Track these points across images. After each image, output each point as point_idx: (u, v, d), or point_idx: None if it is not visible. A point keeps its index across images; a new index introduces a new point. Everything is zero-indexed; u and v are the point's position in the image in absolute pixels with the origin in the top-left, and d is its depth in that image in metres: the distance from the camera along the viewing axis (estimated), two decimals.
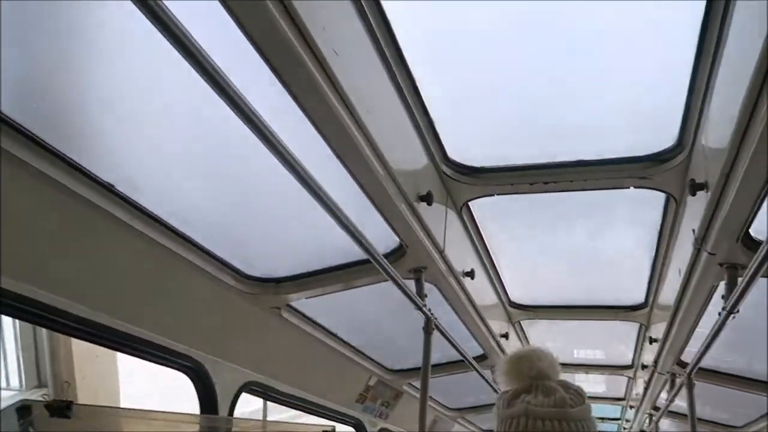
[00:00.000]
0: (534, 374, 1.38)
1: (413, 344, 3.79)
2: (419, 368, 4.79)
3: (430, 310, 2.72)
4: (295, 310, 3.04)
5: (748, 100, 1.47)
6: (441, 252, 2.61)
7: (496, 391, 4.45)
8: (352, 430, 4.62)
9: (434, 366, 4.74)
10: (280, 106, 1.59)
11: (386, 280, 2.56)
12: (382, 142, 1.86)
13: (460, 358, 4.11)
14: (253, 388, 3.10)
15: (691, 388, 3.26)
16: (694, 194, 1.93)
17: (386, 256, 2.59)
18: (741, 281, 2.03)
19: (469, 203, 2.77)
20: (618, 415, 8.38)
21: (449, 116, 2.29)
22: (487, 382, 4.11)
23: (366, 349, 3.99)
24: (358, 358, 3.93)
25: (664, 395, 4.98)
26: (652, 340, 3.78)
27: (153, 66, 1.60)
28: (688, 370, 3.23)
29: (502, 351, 4.23)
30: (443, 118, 2.27)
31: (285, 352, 3.24)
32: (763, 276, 1.84)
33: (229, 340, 2.86)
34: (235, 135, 1.61)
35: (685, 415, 5.51)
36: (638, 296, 3.94)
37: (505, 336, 4.15)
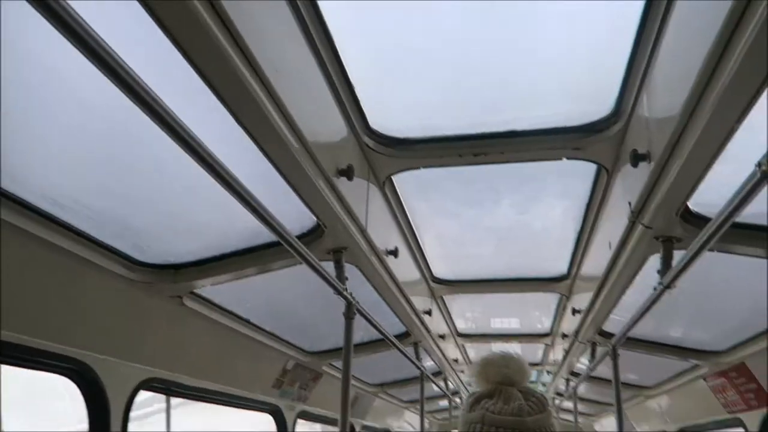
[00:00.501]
0: (499, 379, 1.38)
1: (332, 325, 3.57)
2: (339, 349, 4.60)
3: (351, 294, 2.48)
4: (201, 297, 2.71)
5: (706, 66, 1.31)
6: (363, 231, 2.36)
7: (418, 367, 4.34)
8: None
9: (356, 346, 4.56)
10: (169, 64, 1.27)
11: (302, 263, 2.30)
12: (295, 110, 1.57)
13: (381, 336, 3.95)
14: (153, 385, 2.76)
15: (615, 357, 3.25)
16: (635, 165, 1.79)
17: (302, 237, 2.33)
18: (684, 256, 1.93)
19: (393, 177, 2.54)
20: (533, 379, 8.66)
21: (371, 83, 2.03)
22: (409, 359, 3.97)
23: (282, 332, 3.72)
24: (274, 342, 3.66)
25: (584, 360, 5.09)
26: (575, 311, 3.76)
27: (30, 43, 1.25)
28: (613, 341, 3.21)
29: (426, 327, 4.10)
30: (364, 85, 2.00)
31: (191, 344, 2.91)
32: (710, 250, 1.74)
33: (123, 336, 2.49)
34: (119, 107, 1.27)
35: (602, 379, 5.71)
36: (561, 268, 3.90)
37: (428, 312, 4.01)
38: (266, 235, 2.34)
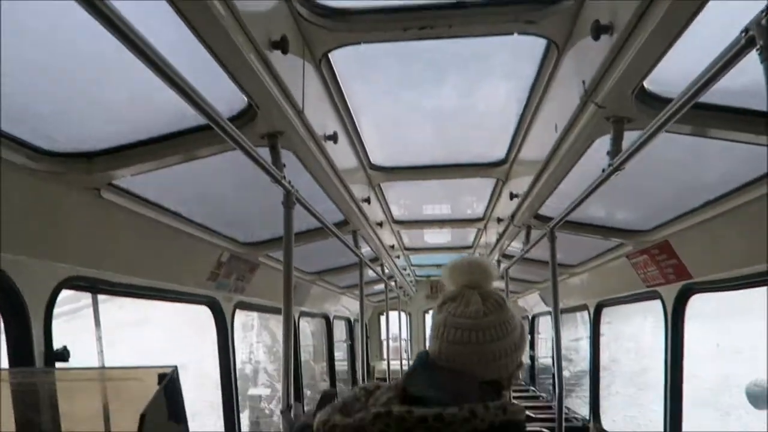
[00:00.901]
0: (464, 283, 1.47)
1: (268, 215, 3.44)
2: (276, 239, 4.54)
3: (290, 182, 2.32)
4: (121, 189, 2.47)
5: None
6: (300, 113, 2.16)
7: (357, 254, 4.33)
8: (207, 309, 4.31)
9: (294, 235, 4.49)
10: None
11: (234, 149, 2.11)
12: None
13: (320, 225, 3.87)
14: (76, 283, 2.57)
15: (553, 240, 3.32)
16: (597, 38, 1.66)
17: (233, 119, 2.10)
18: (639, 137, 1.88)
19: (330, 54, 2.31)
20: None
21: None
22: (349, 247, 3.94)
23: (215, 224, 3.55)
24: (206, 235, 3.49)
25: (515, 244, 5.25)
26: (513, 195, 3.79)
27: None
28: (552, 224, 3.26)
29: (364, 215, 4.04)
30: None
31: (114, 239, 2.69)
32: (667, 131, 1.69)
33: (37, 234, 2.25)
34: None
35: (531, 260, 5.96)
36: (500, 153, 3.87)
37: (367, 200, 3.93)
38: (192, 118, 2.11)
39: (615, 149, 2.10)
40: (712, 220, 3.03)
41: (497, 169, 4.01)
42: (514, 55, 2.56)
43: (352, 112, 2.92)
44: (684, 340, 4.20)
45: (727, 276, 3.32)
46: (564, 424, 3.23)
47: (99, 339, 2.87)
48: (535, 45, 2.40)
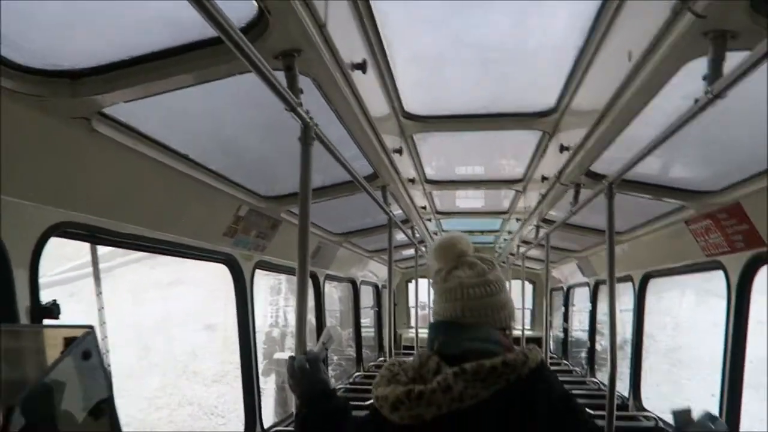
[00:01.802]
0: (458, 254, 1.75)
1: (290, 165, 3.09)
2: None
3: (308, 112, 1.95)
4: (116, 121, 2.14)
5: None
6: (321, 27, 1.78)
7: (387, 212, 3.97)
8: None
9: (317, 190, 4.14)
10: None
11: (245, 72, 1.77)
12: None
13: (345, 179, 3.51)
14: (70, 230, 2.28)
15: (611, 197, 2.90)
16: None
17: (245, 30, 1.73)
18: (748, 59, 1.46)
19: None
20: (497, 228, 8.59)
21: None
22: (378, 203, 3.57)
23: (230, 173, 3.22)
24: (221, 184, 3.17)
25: (554, 212, 4.83)
26: (563, 148, 3.35)
27: None
28: (611, 178, 2.84)
29: (395, 169, 3.66)
30: None
31: (112, 181, 2.38)
32: None
33: (17, 170, 1.95)
34: None
35: (574, 225, 5.53)
36: (549, 100, 3.42)
37: (399, 151, 3.54)
38: (191, 30, 1.75)
39: (714, 73, 1.67)
40: None
41: (545, 119, 3.56)
42: None
43: (383, 40, 2.52)
44: (749, 317, 3.76)
45: None
46: (615, 412, 2.85)
47: (99, 295, 2.59)
48: None
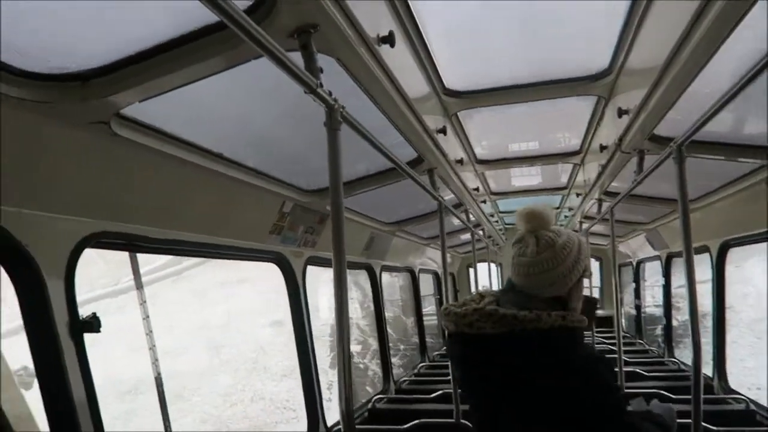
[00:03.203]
0: (527, 228, 1.90)
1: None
2: (347, 182, 4.09)
3: (331, 93, 1.79)
4: (136, 123, 2.05)
5: None
6: None
7: (435, 197, 3.78)
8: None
9: (360, 179, 4.00)
10: None
11: (258, 56, 1.64)
12: None
13: (389, 166, 3.33)
14: (105, 240, 2.22)
15: (682, 161, 2.60)
16: None
17: (249, 12, 1.59)
18: None
19: None
20: (557, 205, 8.21)
21: None
22: (424, 188, 3.38)
23: (270, 168, 3.12)
24: (261, 181, 3.07)
25: (617, 182, 4.50)
26: (621, 112, 3.06)
27: None
28: (681, 139, 2.54)
29: (440, 150, 3.45)
30: None
31: (142, 186, 2.31)
32: None
33: (42, 184, 1.89)
34: None
35: (641, 197, 5.16)
36: (602, 61, 3.13)
37: (443, 131, 3.34)
38: (196, 17, 1.62)
39: None
40: None
41: (599, 82, 3.27)
42: None
43: (413, 11, 2.33)
44: None
45: None
46: (702, 396, 2.57)
47: (143, 303, 2.53)
48: None
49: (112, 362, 13.90)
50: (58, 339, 1.97)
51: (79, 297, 2.10)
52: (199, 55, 1.68)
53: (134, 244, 2.42)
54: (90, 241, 2.12)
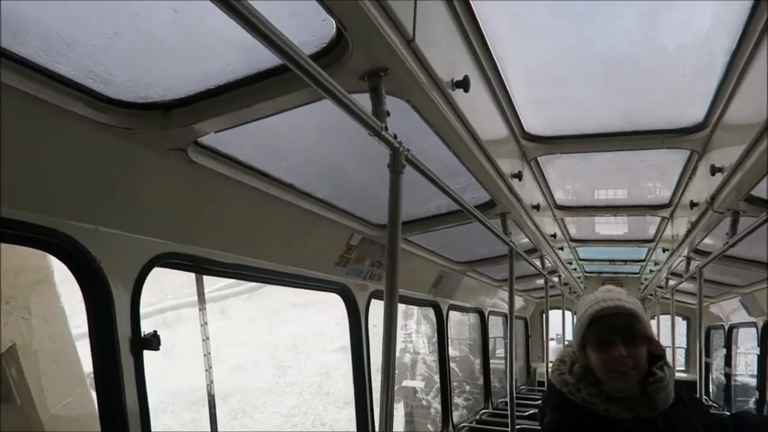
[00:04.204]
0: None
1: (405, 191, 2.94)
2: (417, 220, 4.06)
3: (395, 136, 1.78)
4: (212, 151, 2.12)
5: None
6: (409, 42, 1.61)
7: (506, 242, 3.67)
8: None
9: (433, 217, 3.95)
10: None
11: (323, 98, 1.64)
12: None
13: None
14: (172, 261, 2.30)
15: None
16: None
17: (317, 57, 1.62)
18: None
19: None
20: (642, 257, 7.77)
21: None
22: (492, 230, 3.27)
23: (340, 201, 3.14)
24: (330, 213, 3.10)
25: (709, 240, 4.18)
26: (714, 170, 2.85)
27: None
28: None
29: (515, 195, 3.36)
30: None
31: (214, 211, 2.38)
32: None
33: (117, 203, 1.99)
34: None
35: (732, 257, 4.78)
36: (696, 114, 2.95)
37: (518, 176, 3.24)
38: (269, 57, 1.66)
39: None
40: None
41: (692, 136, 3.08)
42: None
43: (492, 53, 2.29)
44: None
45: None
46: None
47: (204, 325, 2.59)
48: None
49: (186, 371, 14.41)
50: (118, 353, 2.04)
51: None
52: (271, 92, 1.72)
53: (201, 266, 2.50)
54: (158, 261, 2.20)
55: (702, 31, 2.21)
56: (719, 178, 2.86)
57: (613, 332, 1.88)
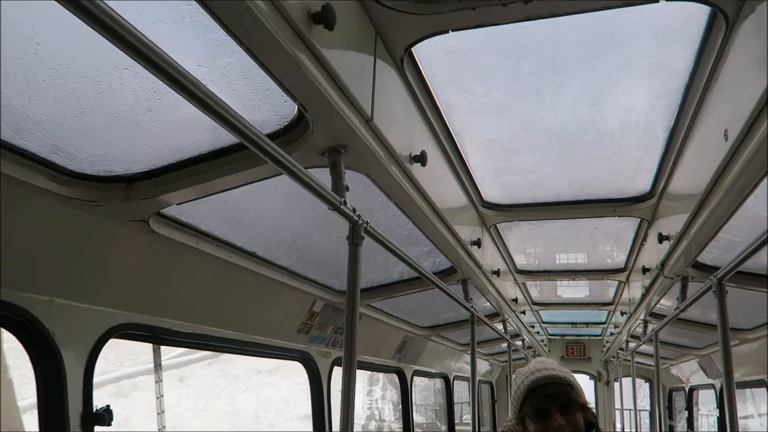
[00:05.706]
0: None
1: (366, 258, 2.98)
2: (379, 286, 4.07)
3: (355, 210, 1.83)
4: (175, 221, 2.14)
5: None
6: (368, 121, 1.69)
7: (467, 308, 3.71)
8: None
9: (395, 284, 3.98)
10: None
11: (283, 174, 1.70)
12: None
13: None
14: (130, 332, 2.26)
15: (722, 295, 2.49)
16: None
17: (279, 134, 1.68)
18: None
19: (414, 50, 1.83)
20: (603, 320, 7.91)
21: None
22: (452, 296, 3.31)
23: (302, 268, 3.15)
24: (293, 280, 3.10)
25: (667, 300, 4.31)
26: (662, 238, 2.98)
27: None
28: (720, 273, 2.45)
29: (475, 262, 3.43)
30: None
31: (173, 280, 2.37)
32: None
33: (74, 274, 1.97)
34: None
35: (687, 321, 4.91)
36: (643, 184, 3.11)
37: (477, 243, 3.33)
38: (230, 135, 1.72)
39: None
40: None
41: (641, 205, 3.24)
42: (661, 38, 1.91)
43: (450, 128, 2.40)
44: None
45: None
46: None
47: (160, 398, 2.52)
48: (692, 20, 1.75)
49: None
50: (68, 430, 1.96)
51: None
52: (234, 167, 1.77)
53: (159, 337, 2.45)
54: (115, 332, 2.16)
55: (642, 109, 2.37)
56: (667, 245, 2.99)
57: (550, 402, 1.91)
